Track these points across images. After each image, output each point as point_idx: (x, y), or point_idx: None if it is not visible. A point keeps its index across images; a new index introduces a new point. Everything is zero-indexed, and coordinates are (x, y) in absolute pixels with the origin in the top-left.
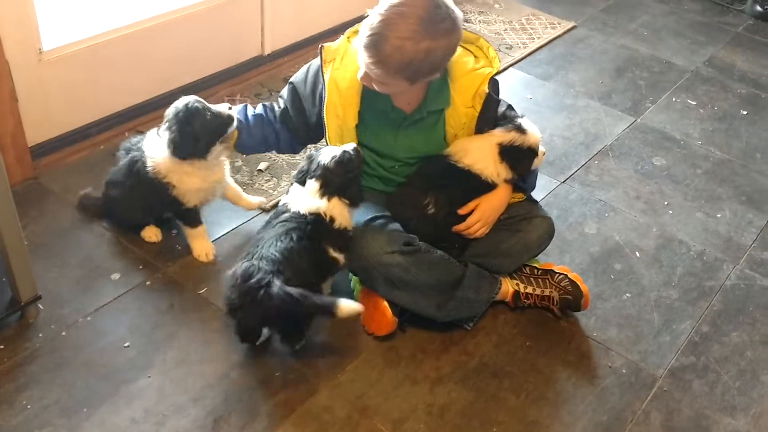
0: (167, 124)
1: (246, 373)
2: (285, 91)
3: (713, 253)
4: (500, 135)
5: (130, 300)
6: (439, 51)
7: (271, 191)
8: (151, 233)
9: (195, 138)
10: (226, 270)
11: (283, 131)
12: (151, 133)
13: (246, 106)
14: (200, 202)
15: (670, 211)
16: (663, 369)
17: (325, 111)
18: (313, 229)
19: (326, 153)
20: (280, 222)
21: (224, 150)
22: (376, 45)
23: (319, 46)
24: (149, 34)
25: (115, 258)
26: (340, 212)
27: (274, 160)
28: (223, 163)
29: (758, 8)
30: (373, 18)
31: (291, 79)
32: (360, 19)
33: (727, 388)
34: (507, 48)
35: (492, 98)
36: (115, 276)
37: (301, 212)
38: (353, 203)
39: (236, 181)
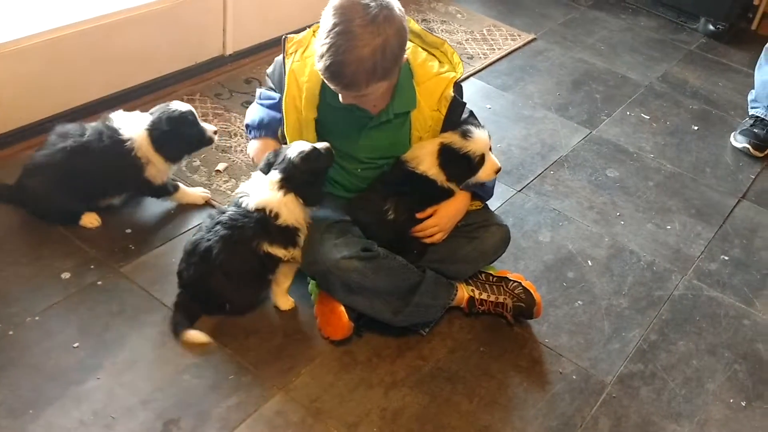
0: (158, 118)
1: (198, 376)
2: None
3: (662, 264)
4: (447, 137)
5: (81, 300)
6: (393, 39)
7: (229, 192)
8: (92, 219)
9: (176, 143)
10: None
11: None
12: (126, 114)
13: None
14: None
15: (622, 222)
16: (612, 376)
17: (284, 103)
18: (251, 228)
19: (295, 147)
20: (216, 227)
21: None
22: (337, 73)
23: (283, 37)
24: (108, 30)
25: (67, 257)
26: (289, 209)
27: (233, 161)
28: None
29: (711, 27)
30: (320, 50)
31: (267, 71)
32: None
33: (674, 396)
34: (468, 58)
35: (457, 101)
36: (66, 275)
37: (248, 208)
38: (309, 202)
39: (194, 182)
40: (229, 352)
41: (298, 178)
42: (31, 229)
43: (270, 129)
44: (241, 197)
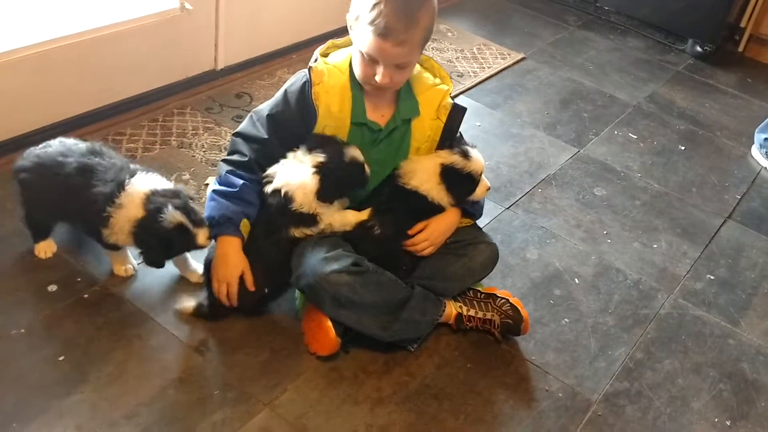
0: (150, 220)
1: (183, 391)
2: (261, 130)
3: (649, 282)
4: (444, 156)
5: (67, 313)
6: (433, 12)
7: None
8: (45, 247)
9: (156, 249)
10: (166, 285)
11: (261, 174)
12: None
13: (242, 191)
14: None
15: (609, 240)
16: (598, 394)
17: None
18: (276, 217)
19: (351, 149)
20: None
21: None
22: (406, 10)
23: (308, 66)
24: (99, 44)
25: (53, 269)
26: (306, 194)
27: None
28: None
29: (698, 49)
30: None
31: (267, 113)
32: (314, 40)
33: (659, 414)
34: (458, 76)
35: (458, 107)
36: (53, 288)
37: (268, 191)
38: (322, 197)
39: None
40: (215, 367)
41: (334, 173)
42: (18, 241)
43: (232, 224)
44: (266, 181)
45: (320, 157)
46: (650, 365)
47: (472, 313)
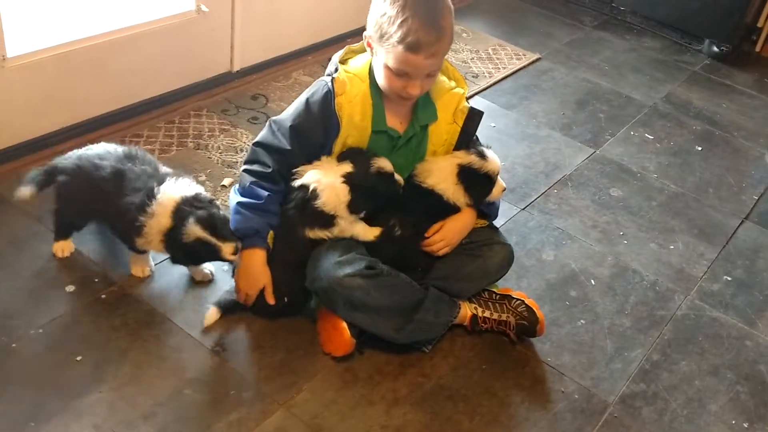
0: (178, 230)
1: (199, 391)
2: (283, 141)
3: (665, 284)
4: (461, 156)
5: (85, 313)
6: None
7: None
8: (63, 246)
9: (185, 256)
10: (183, 286)
11: (284, 184)
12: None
13: (268, 202)
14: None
15: (625, 241)
16: (614, 395)
17: (335, 145)
18: (293, 214)
19: (381, 160)
20: None
21: None
22: (433, 22)
23: (330, 78)
24: (116, 46)
25: (71, 270)
26: (335, 194)
27: (238, 176)
28: None
29: (715, 49)
30: (398, 8)
31: (291, 124)
32: (329, 42)
33: (675, 416)
34: (473, 76)
35: (475, 111)
36: (70, 288)
37: (294, 186)
38: (351, 207)
39: None
40: (231, 368)
41: (362, 183)
42: (37, 242)
43: (260, 237)
44: (294, 177)
45: (348, 167)
46: (667, 367)
47: (487, 314)
